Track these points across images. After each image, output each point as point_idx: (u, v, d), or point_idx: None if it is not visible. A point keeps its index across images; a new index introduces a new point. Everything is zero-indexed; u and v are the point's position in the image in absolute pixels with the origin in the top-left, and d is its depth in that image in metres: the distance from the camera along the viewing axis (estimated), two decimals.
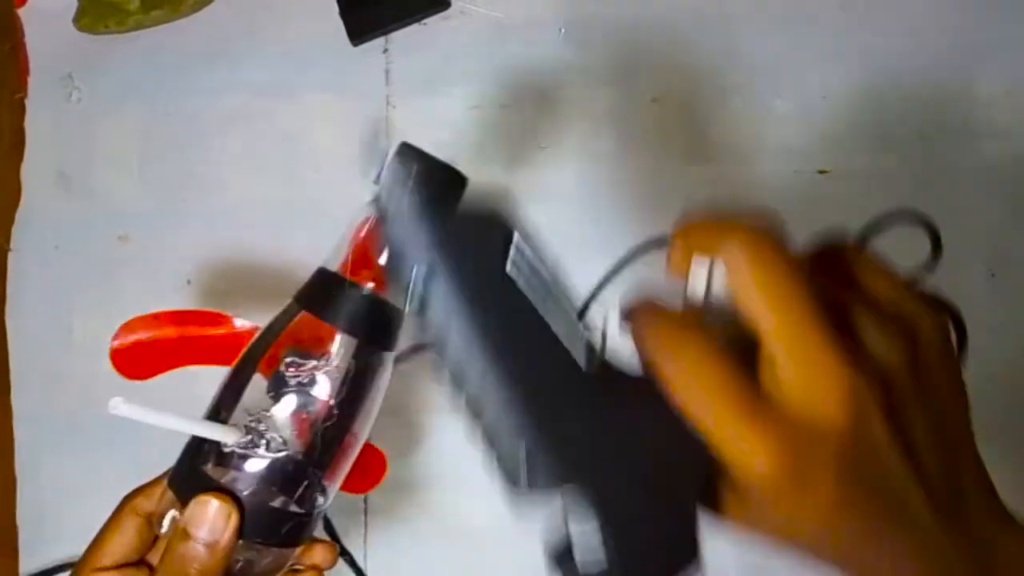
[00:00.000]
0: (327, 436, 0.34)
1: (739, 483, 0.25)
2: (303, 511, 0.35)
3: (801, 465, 0.24)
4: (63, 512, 0.56)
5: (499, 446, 0.25)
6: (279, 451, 0.34)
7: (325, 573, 0.39)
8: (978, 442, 0.53)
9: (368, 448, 0.39)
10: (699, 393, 0.25)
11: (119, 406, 0.32)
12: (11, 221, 0.58)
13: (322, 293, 0.35)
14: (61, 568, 0.55)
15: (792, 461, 0.24)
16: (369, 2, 0.56)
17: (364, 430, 0.36)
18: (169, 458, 0.55)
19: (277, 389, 0.34)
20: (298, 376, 0.34)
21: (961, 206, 0.53)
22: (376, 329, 0.35)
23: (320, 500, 0.35)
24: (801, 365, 0.24)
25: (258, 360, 0.35)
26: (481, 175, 0.55)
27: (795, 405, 0.24)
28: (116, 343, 0.40)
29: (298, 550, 0.36)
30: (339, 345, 0.34)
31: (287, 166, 0.57)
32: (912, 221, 0.47)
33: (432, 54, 0.57)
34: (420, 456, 0.55)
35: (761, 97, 0.55)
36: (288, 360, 0.34)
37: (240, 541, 0.33)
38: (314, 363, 0.34)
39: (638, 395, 0.26)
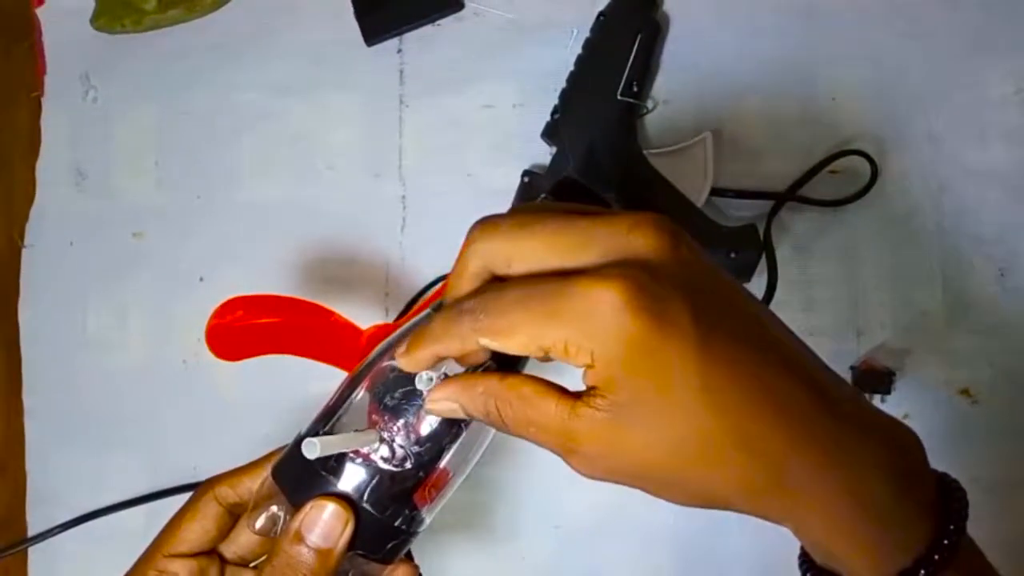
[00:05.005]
0: (445, 453, 0.33)
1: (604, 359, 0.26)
2: (409, 529, 0.33)
3: (650, 294, 0.25)
4: (73, 508, 0.56)
5: None
6: (400, 464, 0.32)
7: None
8: (995, 438, 0.53)
9: None
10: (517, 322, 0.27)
11: (315, 448, 0.30)
12: (26, 218, 0.59)
13: None
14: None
15: (638, 289, 0.25)
16: (384, 3, 0.57)
17: (480, 450, 0.35)
18: (181, 457, 0.56)
19: (401, 400, 0.33)
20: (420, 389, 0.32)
21: (971, 206, 0.54)
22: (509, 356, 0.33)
23: (426, 519, 0.34)
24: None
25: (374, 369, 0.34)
26: (493, 175, 0.56)
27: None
28: (215, 321, 0.39)
29: (389, 569, 0.34)
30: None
31: (302, 164, 0.58)
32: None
33: (445, 54, 0.57)
34: None
35: (771, 97, 0.55)
36: (428, 376, 0.32)
37: (348, 554, 0.32)
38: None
39: None
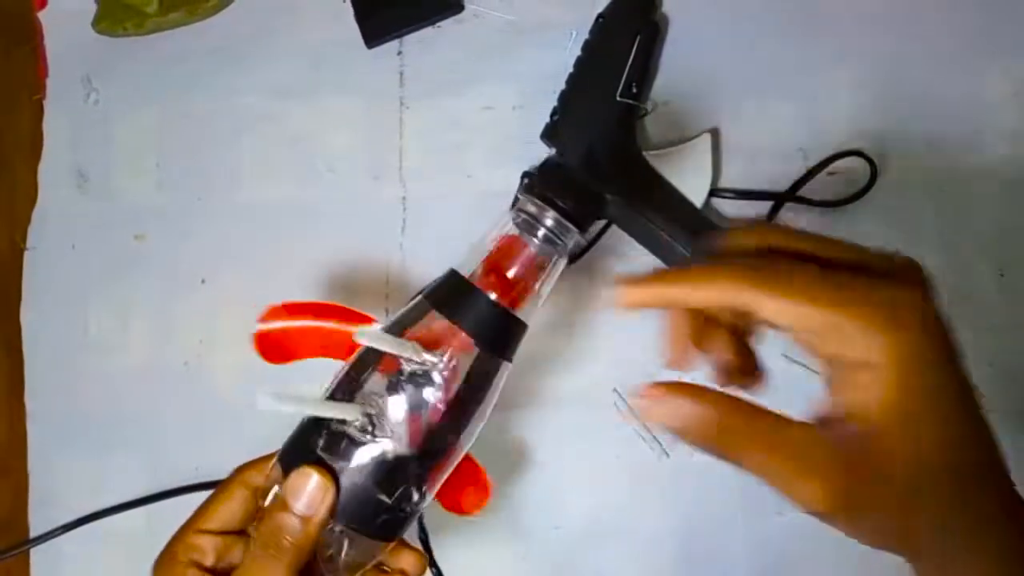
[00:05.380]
0: (434, 435, 0.35)
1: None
2: (400, 507, 0.35)
3: (938, 313, 0.27)
4: (74, 510, 0.56)
5: None
6: (386, 440, 0.34)
7: None
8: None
9: (474, 469, 0.40)
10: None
11: (268, 402, 0.31)
12: (27, 220, 0.59)
13: (452, 295, 0.36)
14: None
15: (931, 303, 0.27)
16: (383, 5, 0.57)
17: (471, 436, 0.36)
18: (182, 458, 0.56)
19: (394, 384, 0.35)
20: (416, 370, 0.34)
21: (970, 207, 0.54)
22: (500, 337, 0.35)
23: (417, 499, 0.35)
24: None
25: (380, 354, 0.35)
26: (493, 176, 0.56)
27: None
28: (261, 326, 0.41)
29: (388, 548, 0.36)
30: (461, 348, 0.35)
31: (302, 167, 0.58)
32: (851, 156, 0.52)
33: (445, 56, 0.58)
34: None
35: (770, 98, 0.55)
36: (414, 347, 0.34)
37: (338, 527, 0.34)
38: (432, 359, 0.34)
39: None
